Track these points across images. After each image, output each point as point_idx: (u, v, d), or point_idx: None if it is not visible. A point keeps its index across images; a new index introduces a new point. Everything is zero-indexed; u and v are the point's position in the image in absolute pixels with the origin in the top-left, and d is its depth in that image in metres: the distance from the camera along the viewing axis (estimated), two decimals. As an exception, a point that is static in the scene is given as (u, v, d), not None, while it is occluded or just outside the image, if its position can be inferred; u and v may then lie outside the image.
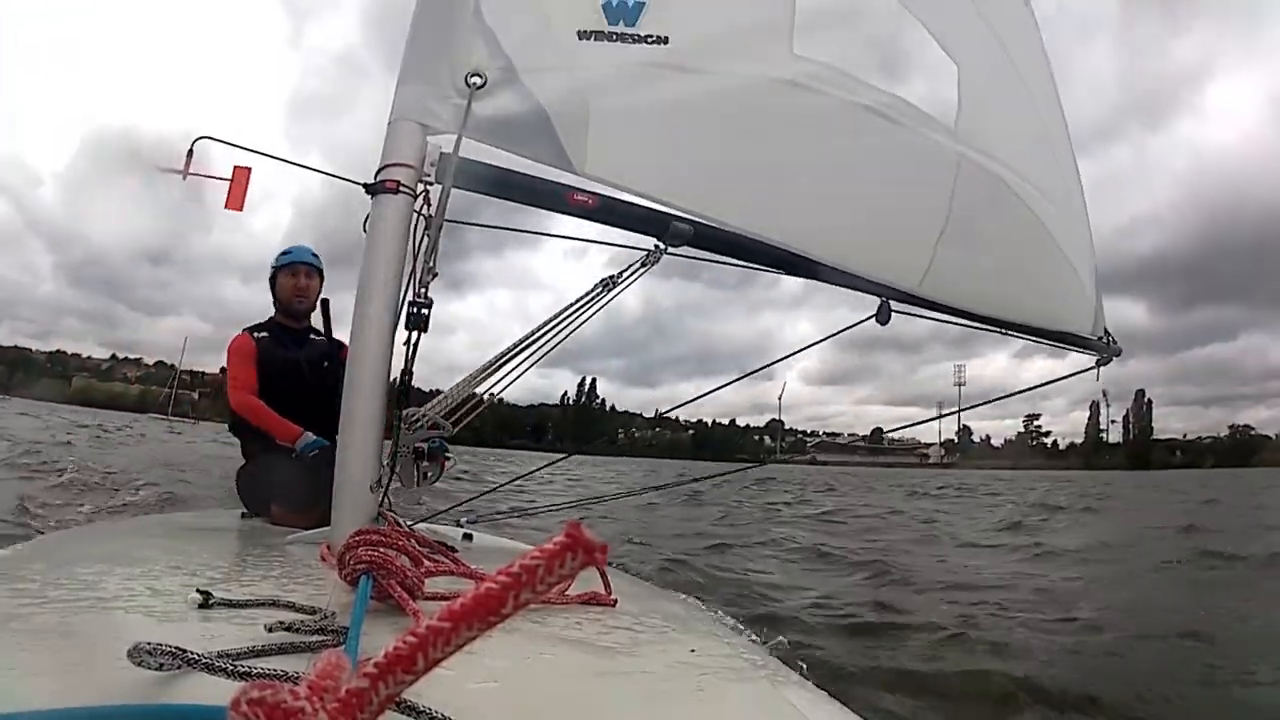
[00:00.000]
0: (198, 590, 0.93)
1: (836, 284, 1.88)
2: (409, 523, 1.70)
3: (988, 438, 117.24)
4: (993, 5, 2.00)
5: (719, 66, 1.67)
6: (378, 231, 1.56)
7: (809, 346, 2.31)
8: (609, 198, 1.70)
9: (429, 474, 1.88)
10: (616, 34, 1.63)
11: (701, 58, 1.66)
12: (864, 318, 1.94)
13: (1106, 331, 2.21)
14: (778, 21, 1.72)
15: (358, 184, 1.63)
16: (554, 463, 2.61)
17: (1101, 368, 2.21)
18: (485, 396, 1.85)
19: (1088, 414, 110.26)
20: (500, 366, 1.82)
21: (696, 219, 1.72)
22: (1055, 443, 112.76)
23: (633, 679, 0.89)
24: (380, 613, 0.97)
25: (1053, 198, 2.05)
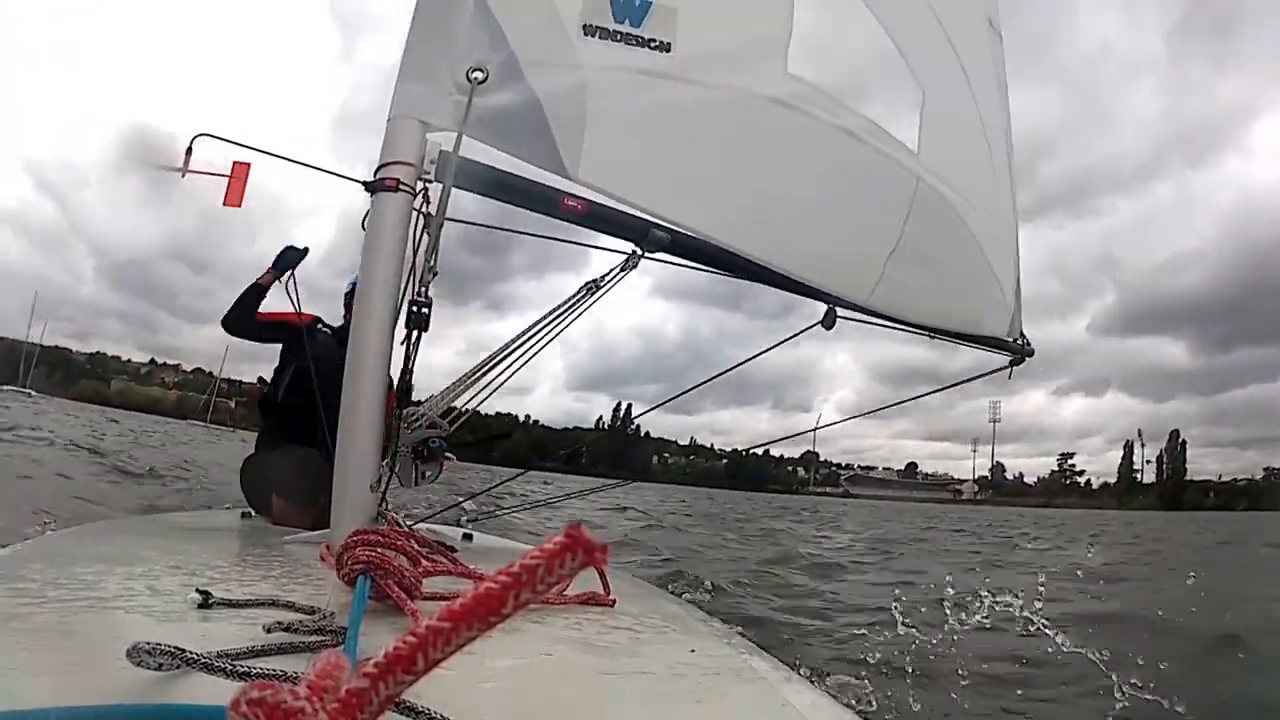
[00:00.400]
0: (197, 590, 0.92)
1: (791, 291, 2.02)
2: (409, 523, 1.70)
3: (1020, 475, 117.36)
4: (962, 32, 2.13)
5: (716, 79, 1.72)
6: (377, 230, 1.56)
7: (759, 355, 2.36)
8: (596, 203, 1.74)
9: (428, 474, 1.88)
10: (621, 33, 1.64)
11: (700, 69, 1.70)
12: (811, 324, 2.12)
13: (1022, 334, 2.40)
14: (775, 38, 1.77)
15: (357, 181, 1.63)
16: (513, 477, 2.72)
17: (1015, 367, 2.42)
18: (482, 395, 1.87)
19: (1121, 453, 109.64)
20: (495, 367, 1.83)
21: (675, 228, 1.77)
22: (1089, 482, 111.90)
23: (633, 679, 0.89)
24: (379, 613, 0.97)
25: (989, 215, 2.20)
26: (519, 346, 1.84)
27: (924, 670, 2.77)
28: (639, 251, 1.83)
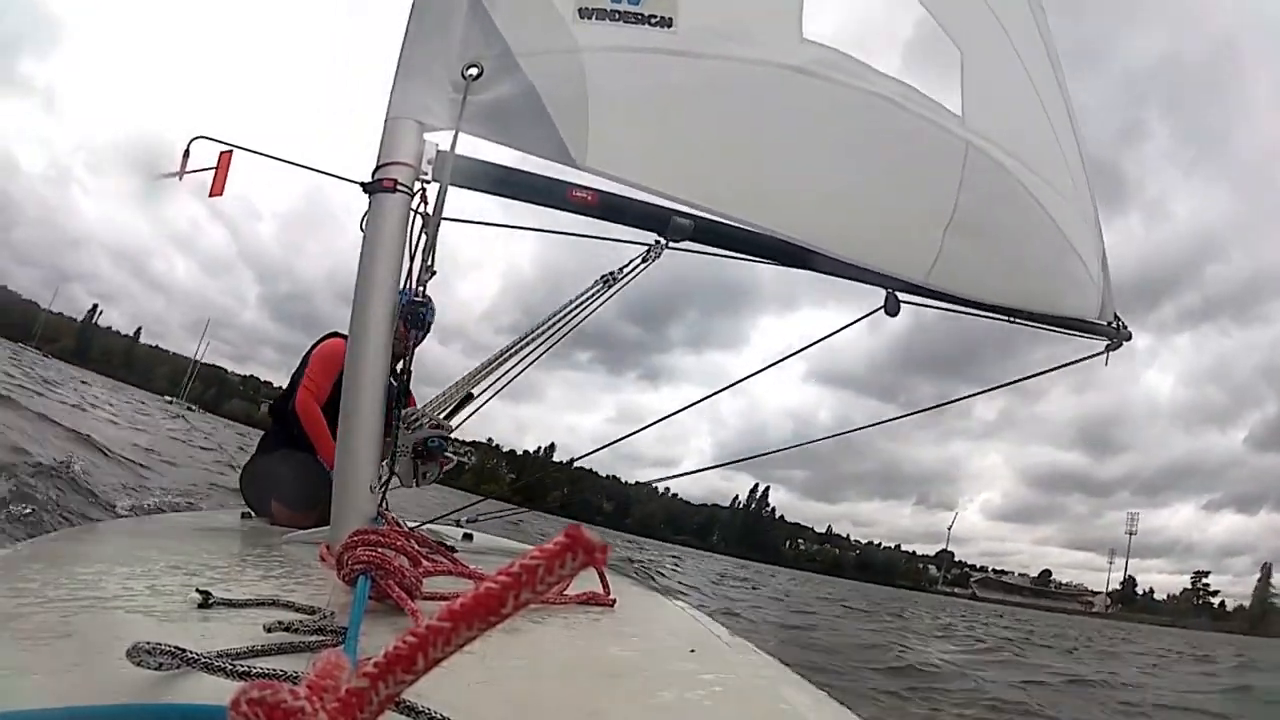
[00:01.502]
0: (198, 590, 0.92)
1: (839, 275, 1.87)
2: (409, 523, 1.70)
3: (1151, 591, 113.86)
4: None
5: (726, 51, 1.63)
6: (375, 230, 1.55)
7: (796, 352, 2.24)
8: (609, 193, 1.69)
9: (428, 474, 1.88)
10: (619, 12, 1.59)
11: (707, 41, 1.62)
12: (872, 310, 1.95)
13: (1117, 316, 2.21)
14: (787, 2, 1.68)
15: (355, 183, 1.62)
16: (478, 502, 2.46)
17: (1111, 352, 2.21)
18: (489, 393, 1.85)
19: (1258, 575, 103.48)
20: (498, 367, 1.82)
21: (699, 213, 1.70)
22: (1223, 603, 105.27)
23: (632, 679, 0.89)
24: (379, 613, 0.97)
25: (1057, 185, 2.04)
26: (518, 350, 1.83)
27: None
28: (662, 241, 1.75)
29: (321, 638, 0.80)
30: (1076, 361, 2.26)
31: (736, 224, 1.72)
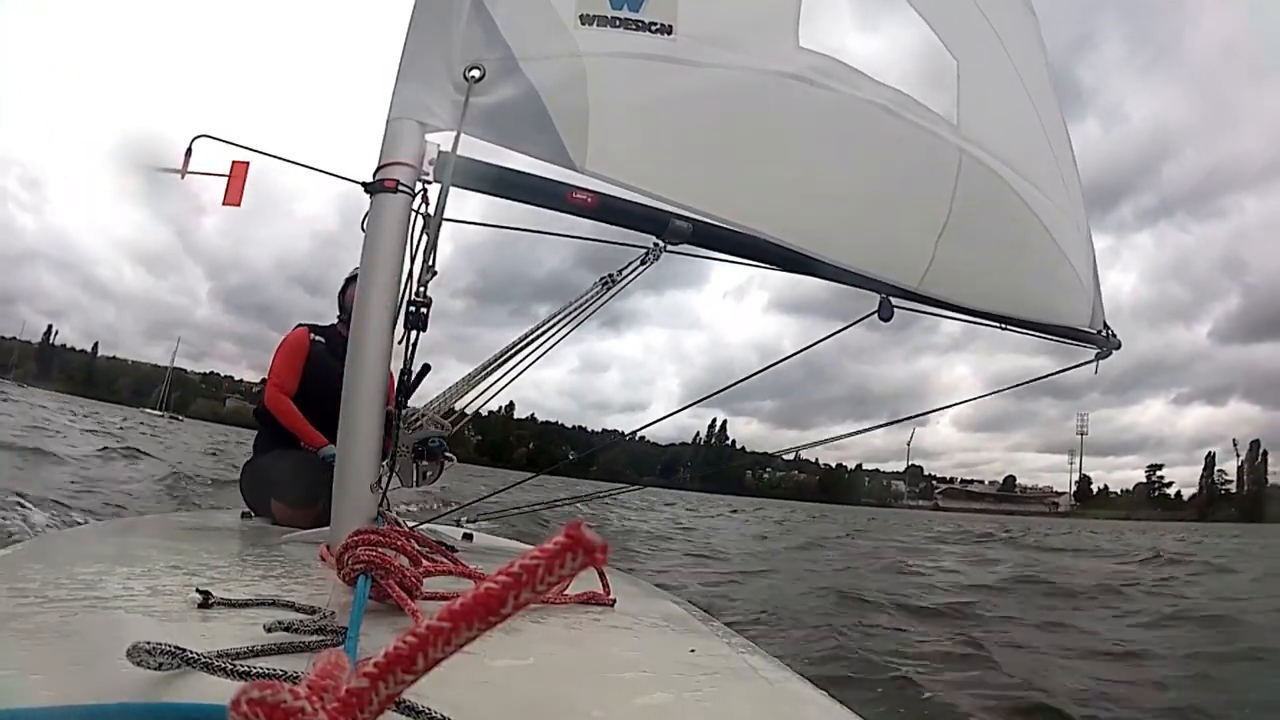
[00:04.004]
0: (197, 590, 0.93)
1: (835, 280, 1.88)
2: (409, 523, 1.70)
3: (1106, 487, 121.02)
4: (993, 4, 2.00)
5: (724, 59, 1.64)
6: (377, 231, 1.56)
7: (799, 352, 2.21)
8: (609, 196, 1.69)
9: (428, 474, 1.88)
10: (620, 19, 1.60)
11: (706, 49, 1.63)
12: (865, 314, 1.97)
13: (1106, 325, 2.23)
14: (784, 10, 1.70)
15: (356, 183, 1.62)
16: (520, 482, 2.50)
17: (1101, 361, 2.24)
18: (490, 393, 1.86)
19: (1203, 464, 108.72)
20: (498, 368, 1.83)
21: (697, 216, 1.71)
22: (1179, 493, 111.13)
23: (633, 679, 0.89)
24: (380, 613, 0.97)
25: (1049, 193, 2.06)
26: (520, 347, 1.83)
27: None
28: (660, 244, 1.76)
29: (321, 638, 0.80)
30: (1069, 369, 2.29)
31: (733, 228, 1.73)
